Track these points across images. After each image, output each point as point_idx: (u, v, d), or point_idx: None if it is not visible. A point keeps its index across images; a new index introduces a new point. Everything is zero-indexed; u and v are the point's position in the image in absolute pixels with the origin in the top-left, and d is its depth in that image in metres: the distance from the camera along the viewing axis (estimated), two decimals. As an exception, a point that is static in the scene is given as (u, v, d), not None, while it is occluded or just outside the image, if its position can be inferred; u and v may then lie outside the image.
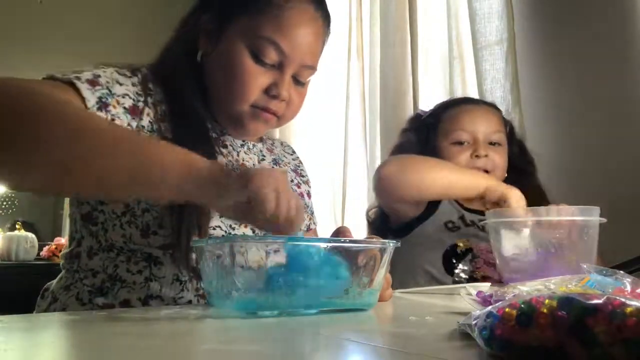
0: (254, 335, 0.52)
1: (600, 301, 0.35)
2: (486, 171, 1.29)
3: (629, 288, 0.57)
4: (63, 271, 0.93)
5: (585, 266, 0.64)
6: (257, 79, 0.90)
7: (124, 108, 0.82)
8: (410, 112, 2.01)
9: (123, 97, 0.82)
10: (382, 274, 0.69)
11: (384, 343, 0.50)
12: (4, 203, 3.05)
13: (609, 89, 1.51)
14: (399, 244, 0.70)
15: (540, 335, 0.35)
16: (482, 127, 1.32)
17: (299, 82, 0.94)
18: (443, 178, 1.18)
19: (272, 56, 0.89)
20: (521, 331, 0.36)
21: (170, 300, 0.85)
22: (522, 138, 1.48)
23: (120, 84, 0.83)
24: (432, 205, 1.29)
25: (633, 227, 1.30)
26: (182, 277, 0.86)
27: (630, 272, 0.61)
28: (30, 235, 2.63)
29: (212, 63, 0.93)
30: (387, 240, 0.69)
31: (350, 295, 0.66)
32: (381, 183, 1.23)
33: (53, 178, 0.65)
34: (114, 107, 0.80)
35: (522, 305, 0.38)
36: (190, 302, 0.86)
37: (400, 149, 1.41)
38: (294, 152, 1.19)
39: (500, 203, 1.09)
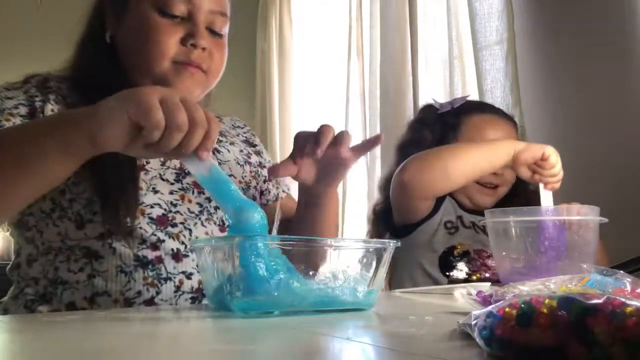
0: (254, 335, 0.52)
1: (600, 301, 0.35)
2: (497, 186, 1.29)
3: (629, 288, 0.57)
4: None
5: (585, 266, 0.64)
6: (170, 31, 0.90)
7: (21, 116, 0.86)
8: (410, 112, 2.01)
9: (16, 108, 0.86)
10: (382, 273, 0.69)
11: (384, 343, 0.50)
12: (4, 203, 3.05)
13: (609, 89, 1.51)
14: (399, 244, 0.70)
15: (540, 335, 0.35)
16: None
17: (216, 34, 0.94)
18: (466, 158, 1.15)
19: (179, 7, 0.90)
20: (521, 331, 0.36)
21: (119, 295, 0.82)
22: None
23: (10, 98, 0.87)
24: (435, 205, 1.28)
25: (633, 227, 1.30)
26: (126, 268, 0.83)
27: (630, 272, 0.61)
28: (30, 235, 2.63)
29: (123, 35, 0.94)
30: (387, 240, 0.70)
31: (350, 295, 0.66)
32: (405, 188, 1.20)
33: None
34: (8, 120, 0.84)
35: (522, 305, 0.38)
36: (139, 292, 0.82)
37: (415, 145, 1.33)
38: (245, 125, 1.16)
39: (537, 163, 1.07)
